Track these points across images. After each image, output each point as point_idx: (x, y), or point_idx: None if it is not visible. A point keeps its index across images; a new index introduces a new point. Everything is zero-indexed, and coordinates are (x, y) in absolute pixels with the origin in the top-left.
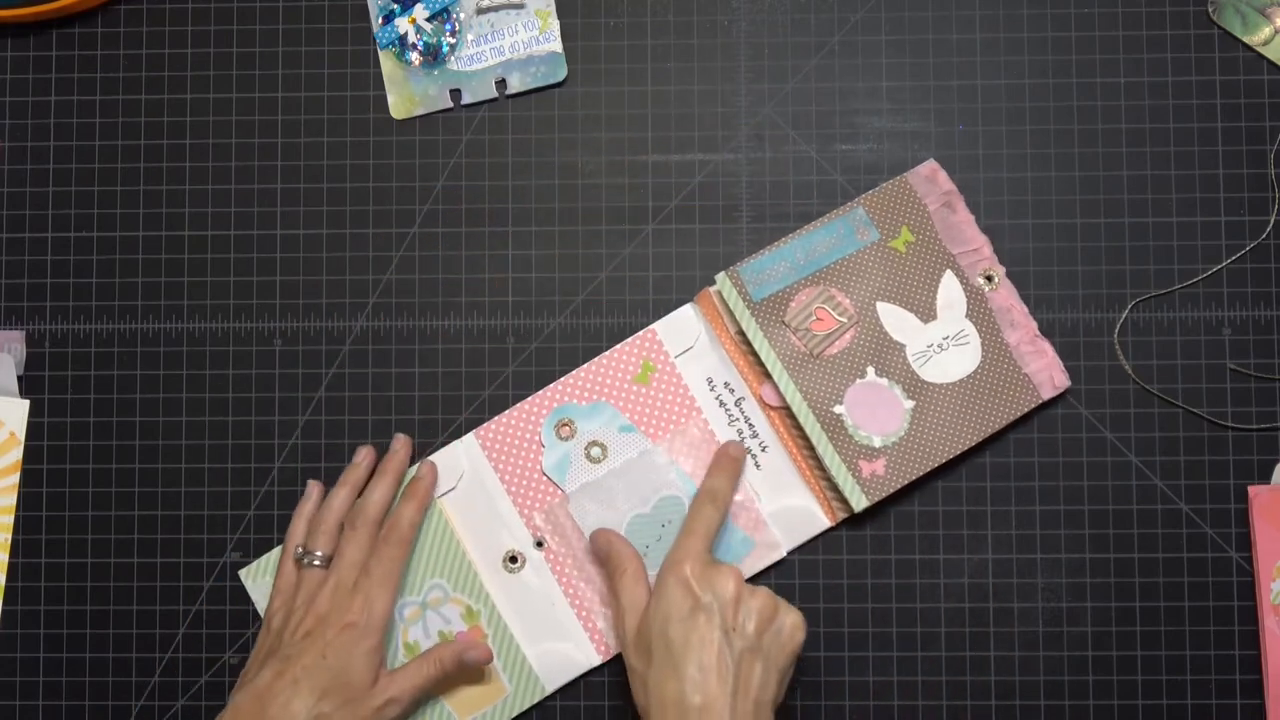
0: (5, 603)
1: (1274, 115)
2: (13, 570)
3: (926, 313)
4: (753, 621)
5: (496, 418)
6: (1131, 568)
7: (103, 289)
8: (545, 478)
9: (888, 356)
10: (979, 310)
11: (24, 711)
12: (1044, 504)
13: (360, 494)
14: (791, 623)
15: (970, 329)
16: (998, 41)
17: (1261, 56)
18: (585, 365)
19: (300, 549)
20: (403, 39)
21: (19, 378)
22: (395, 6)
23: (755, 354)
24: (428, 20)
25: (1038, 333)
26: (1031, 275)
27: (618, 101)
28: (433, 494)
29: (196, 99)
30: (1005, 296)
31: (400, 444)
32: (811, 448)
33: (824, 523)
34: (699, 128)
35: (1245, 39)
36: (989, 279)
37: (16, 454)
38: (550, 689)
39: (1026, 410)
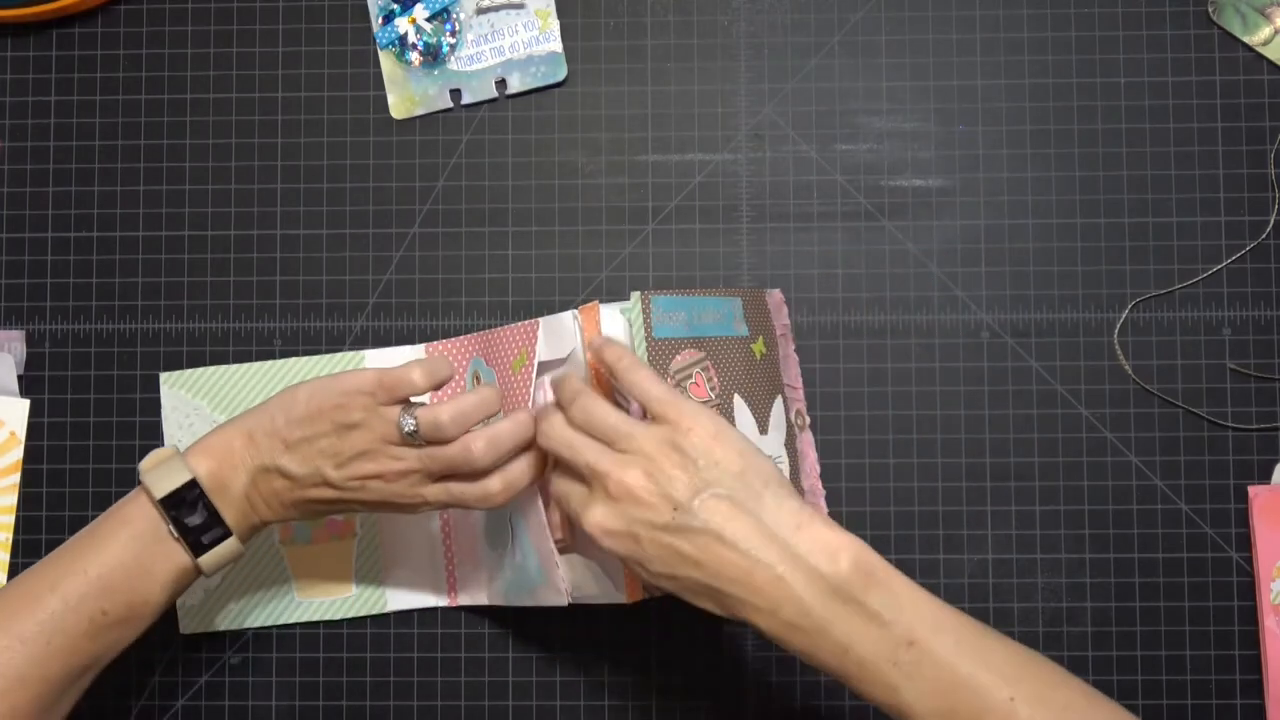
0: None
1: (1274, 115)
2: (13, 570)
3: (763, 425)
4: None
5: (439, 342)
6: (1131, 568)
7: (103, 289)
8: None
9: None
10: (791, 445)
11: None
12: (1044, 504)
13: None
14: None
15: (785, 458)
16: (998, 41)
17: (1261, 56)
18: (494, 329)
19: (415, 419)
20: (403, 39)
21: (19, 378)
22: (395, 6)
23: (619, 389)
24: (428, 20)
25: (821, 491)
26: (1031, 275)
27: (618, 101)
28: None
29: (196, 99)
30: (805, 444)
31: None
32: None
33: (619, 596)
34: (699, 128)
35: (1245, 39)
36: (799, 418)
37: (17, 454)
38: (390, 609)
39: None
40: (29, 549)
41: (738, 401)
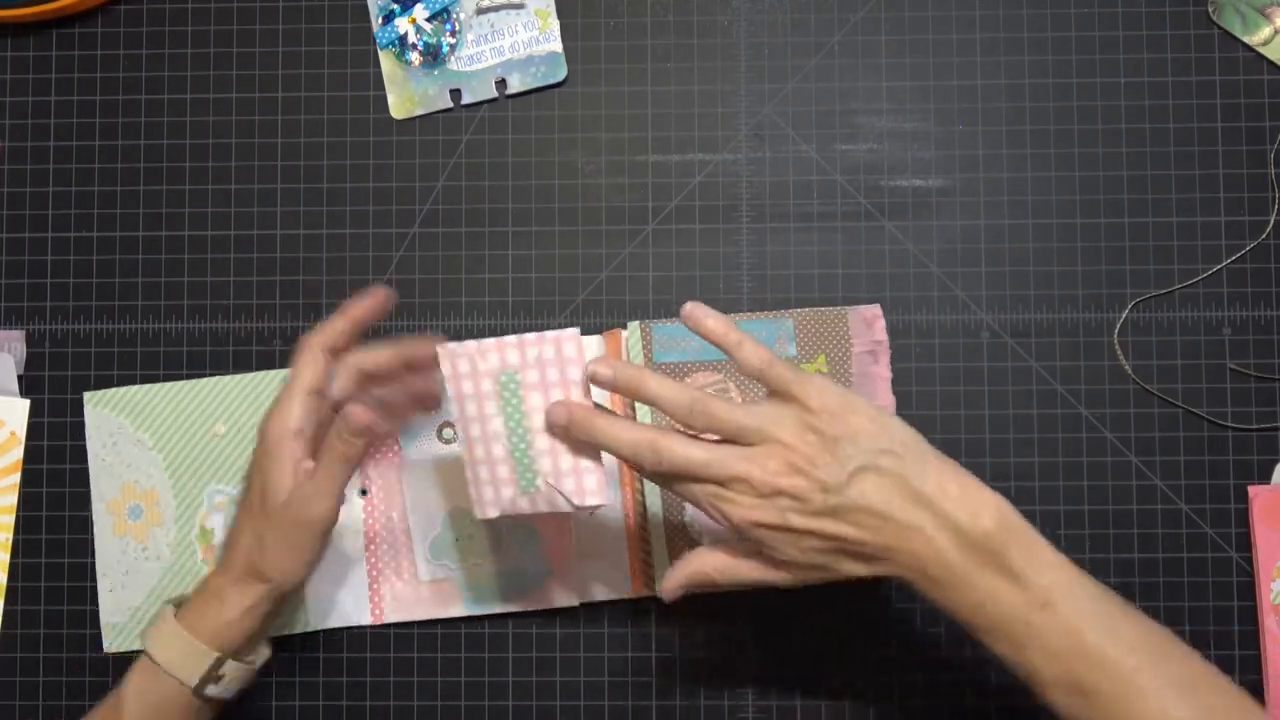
0: (5, 603)
1: (1274, 115)
2: (13, 570)
3: None
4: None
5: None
6: (1131, 568)
7: (103, 289)
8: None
9: None
10: None
11: (24, 711)
12: (1044, 504)
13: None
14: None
15: None
16: (998, 41)
17: (1261, 56)
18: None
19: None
20: (403, 39)
21: (19, 378)
22: (395, 6)
23: (634, 412)
24: (428, 20)
25: None
26: (1031, 275)
27: (618, 101)
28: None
29: (196, 99)
30: None
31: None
32: (647, 519)
33: (626, 590)
34: (699, 128)
35: (1245, 39)
36: None
37: (17, 454)
38: (314, 627)
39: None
40: (29, 549)
41: None
